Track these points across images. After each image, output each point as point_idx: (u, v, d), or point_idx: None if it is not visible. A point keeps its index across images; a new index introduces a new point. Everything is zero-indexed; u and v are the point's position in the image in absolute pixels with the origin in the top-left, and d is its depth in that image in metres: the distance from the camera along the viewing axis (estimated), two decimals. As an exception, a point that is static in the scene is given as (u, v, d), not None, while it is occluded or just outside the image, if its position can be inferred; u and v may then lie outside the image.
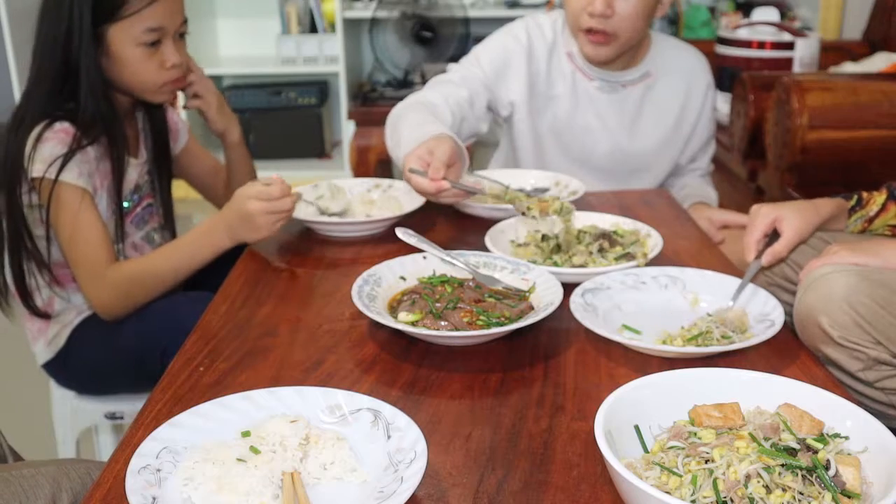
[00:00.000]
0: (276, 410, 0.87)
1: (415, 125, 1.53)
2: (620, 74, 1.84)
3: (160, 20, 1.47)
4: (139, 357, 1.47)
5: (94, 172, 1.46)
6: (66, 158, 1.40)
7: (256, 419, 0.86)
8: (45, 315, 1.53)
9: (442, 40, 3.68)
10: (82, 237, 1.43)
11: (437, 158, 1.34)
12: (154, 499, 0.76)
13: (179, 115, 1.77)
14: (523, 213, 1.36)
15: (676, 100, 1.89)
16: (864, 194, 1.33)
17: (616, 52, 1.75)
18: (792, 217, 1.24)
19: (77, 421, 1.62)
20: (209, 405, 0.87)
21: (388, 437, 0.84)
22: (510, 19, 1.96)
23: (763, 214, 1.26)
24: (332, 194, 1.56)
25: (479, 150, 3.57)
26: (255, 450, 0.81)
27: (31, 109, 1.44)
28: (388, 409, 0.86)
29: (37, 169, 1.40)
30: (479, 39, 1.97)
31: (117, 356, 1.50)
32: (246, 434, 0.84)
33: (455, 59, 3.67)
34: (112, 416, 1.59)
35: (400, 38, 3.67)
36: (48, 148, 1.41)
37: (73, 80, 1.45)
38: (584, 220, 1.43)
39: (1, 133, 1.47)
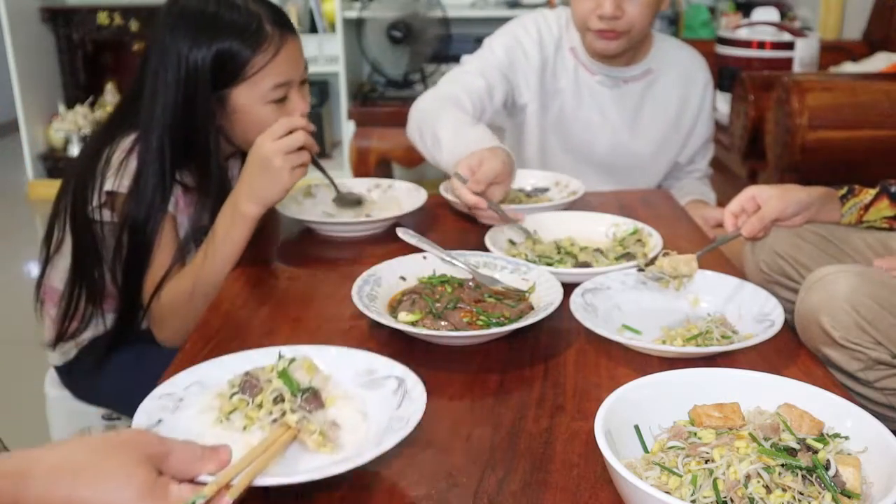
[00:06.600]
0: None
1: (455, 127, 1.55)
2: (623, 70, 1.85)
3: (286, 73, 1.38)
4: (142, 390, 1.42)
5: (178, 199, 1.40)
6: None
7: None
8: (71, 333, 1.47)
9: (417, 41, 3.65)
10: (158, 261, 1.35)
11: (482, 172, 1.34)
12: (159, 421, 0.78)
13: None
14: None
15: (676, 97, 1.89)
16: (856, 187, 1.34)
17: (626, 45, 1.76)
18: (772, 194, 1.26)
19: (73, 422, 1.61)
20: (258, 351, 0.92)
21: (399, 406, 0.85)
22: (511, 19, 1.96)
23: (745, 191, 1.29)
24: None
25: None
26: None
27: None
28: (412, 379, 0.88)
29: (120, 184, 1.32)
30: (479, 40, 1.96)
31: (122, 384, 1.46)
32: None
33: (436, 59, 3.69)
34: (109, 418, 1.59)
35: (380, 39, 3.67)
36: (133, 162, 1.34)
37: (185, 135, 1.35)
38: (582, 224, 1.43)
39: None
